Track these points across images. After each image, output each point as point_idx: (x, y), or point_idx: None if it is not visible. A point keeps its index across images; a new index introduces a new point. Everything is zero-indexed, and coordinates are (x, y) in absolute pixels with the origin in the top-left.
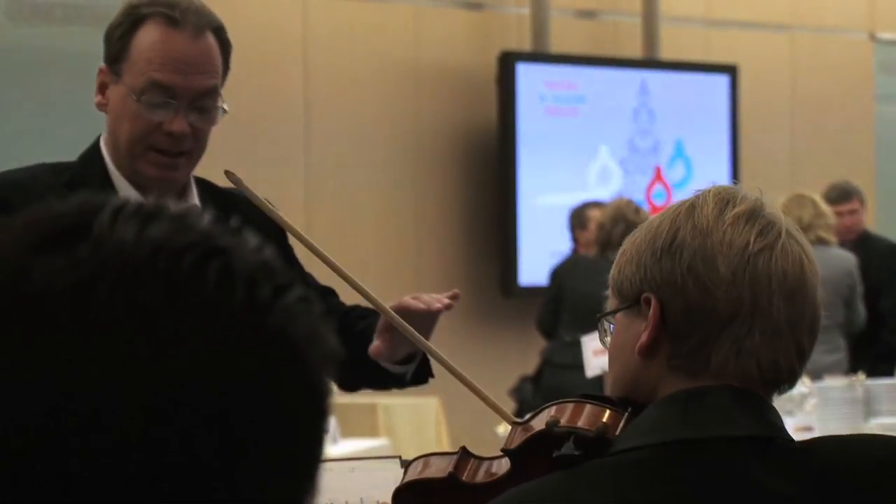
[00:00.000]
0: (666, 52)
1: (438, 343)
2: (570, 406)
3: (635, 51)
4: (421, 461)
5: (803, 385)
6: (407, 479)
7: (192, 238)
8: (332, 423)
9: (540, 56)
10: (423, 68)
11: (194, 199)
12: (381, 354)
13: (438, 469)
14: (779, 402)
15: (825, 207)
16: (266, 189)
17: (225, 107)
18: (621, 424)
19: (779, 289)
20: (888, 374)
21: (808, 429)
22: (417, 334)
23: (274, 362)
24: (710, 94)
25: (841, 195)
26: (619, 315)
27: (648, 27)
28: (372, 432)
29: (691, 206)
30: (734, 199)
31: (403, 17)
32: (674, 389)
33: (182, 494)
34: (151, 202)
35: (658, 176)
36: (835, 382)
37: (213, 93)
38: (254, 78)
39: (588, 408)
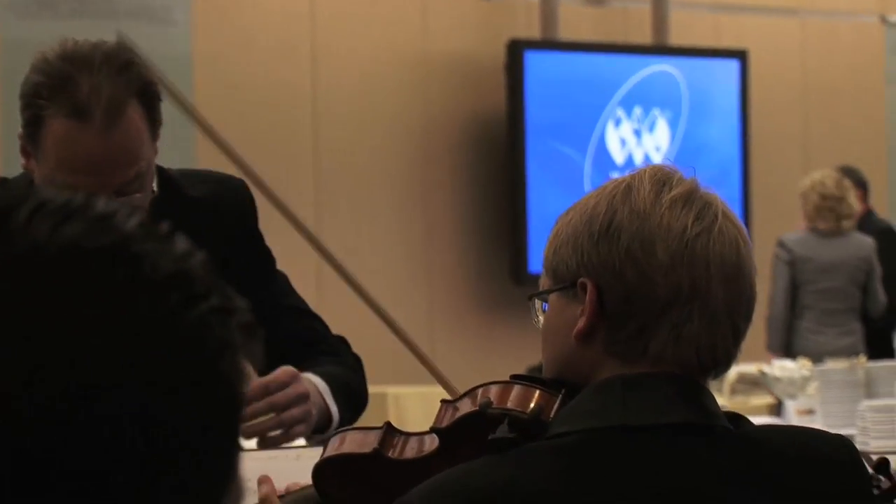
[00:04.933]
0: (675, 39)
1: (451, 331)
2: (504, 387)
3: (645, 37)
4: (338, 437)
5: (805, 368)
6: (328, 454)
7: (105, 241)
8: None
9: (549, 44)
10: (432, 57)
11: None
12: None
13: (362, 444)
14: (781, 386)
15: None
16: (275, 175)
17: (154, 187)
18: (556, 406)
19: (717, 273)
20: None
21: (810, 412)
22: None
23: (184, 369)
24: (721, 79)
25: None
26: (553, 296)
27: (658, 13)
28: (381, 422)
29: (628, 188)
30: (671, 180)
31: (411, 5)
32: (610, 374)
33: (94, 496)
34: (81, 198)
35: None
36: (835, 365)
37: (137, 178)
38: (261, 67)
39: (521, 389)
